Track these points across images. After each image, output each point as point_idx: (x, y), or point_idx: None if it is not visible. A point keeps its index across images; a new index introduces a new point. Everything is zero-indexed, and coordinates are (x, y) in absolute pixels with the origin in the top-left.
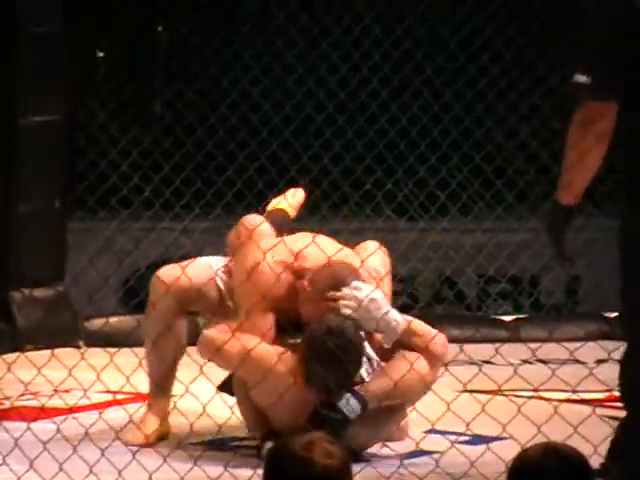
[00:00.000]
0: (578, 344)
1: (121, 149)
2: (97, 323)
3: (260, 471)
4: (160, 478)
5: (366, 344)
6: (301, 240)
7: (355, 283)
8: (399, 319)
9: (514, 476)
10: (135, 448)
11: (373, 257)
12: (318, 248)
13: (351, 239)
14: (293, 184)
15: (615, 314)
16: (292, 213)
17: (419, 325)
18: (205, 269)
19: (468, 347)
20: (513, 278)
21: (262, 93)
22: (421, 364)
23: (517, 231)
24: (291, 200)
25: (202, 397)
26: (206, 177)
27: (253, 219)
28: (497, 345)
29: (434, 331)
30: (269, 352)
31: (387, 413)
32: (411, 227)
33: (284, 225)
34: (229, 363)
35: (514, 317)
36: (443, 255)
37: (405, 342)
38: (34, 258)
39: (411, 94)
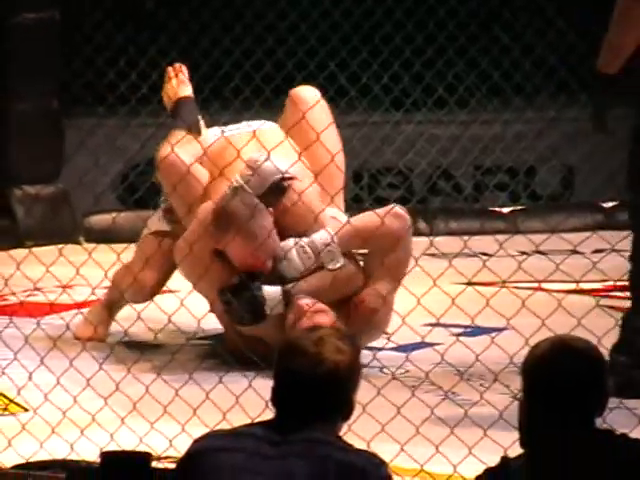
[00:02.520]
0: (576, 234)
1: (118, 46)
2: (97, 219)
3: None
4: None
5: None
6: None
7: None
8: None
9: (528, 373)
10: (142, 343)
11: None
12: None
13: (348, 132)
14: (290, 79)
15: (611, 204)
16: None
17: (364, 218)
18: None
19: (466, 239)
20: (510, 170)
21: None
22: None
23: (514, 123)
24: (184, 83)
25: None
26: (203, 73)
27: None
28: (496, 237)
29: (383, 210)
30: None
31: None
32: (408, 120)
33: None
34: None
35: (511, 208)
36: (440, 147)
37: (364, 238)
38: (33, 156)
39: None
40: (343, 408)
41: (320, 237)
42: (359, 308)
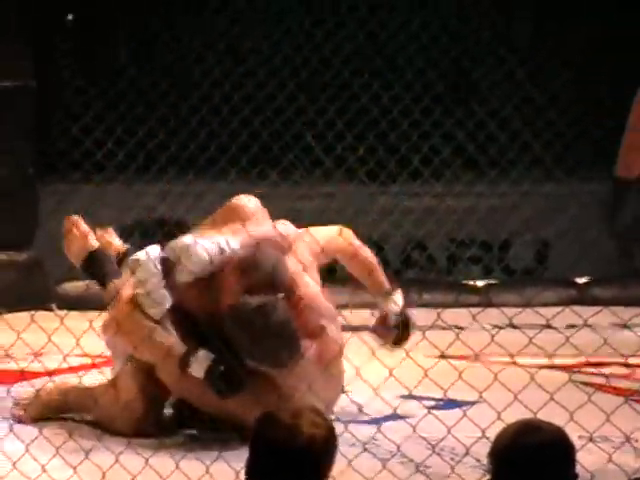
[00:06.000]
0: (549, 309)
1: (95, 114)
2: (70, 287)
3: None
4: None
5: None
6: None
7: None
8: None
9: (496, 456)
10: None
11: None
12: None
13: (323, 203)
14: (266, 149)
15: (585, 279)
16: None
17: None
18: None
19: (439, 311)
20: (484, 243)
21: (236, 60)
22: None
23: (488, 196)
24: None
25: None
26: (180, 142)
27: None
28: (469, 310)
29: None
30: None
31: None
32: (383, 192)
33: None
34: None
35: (485, 282)
36: (414, 219)
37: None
38: (6, 222)
39: (384, 62)
40: None
41: None
42: None
